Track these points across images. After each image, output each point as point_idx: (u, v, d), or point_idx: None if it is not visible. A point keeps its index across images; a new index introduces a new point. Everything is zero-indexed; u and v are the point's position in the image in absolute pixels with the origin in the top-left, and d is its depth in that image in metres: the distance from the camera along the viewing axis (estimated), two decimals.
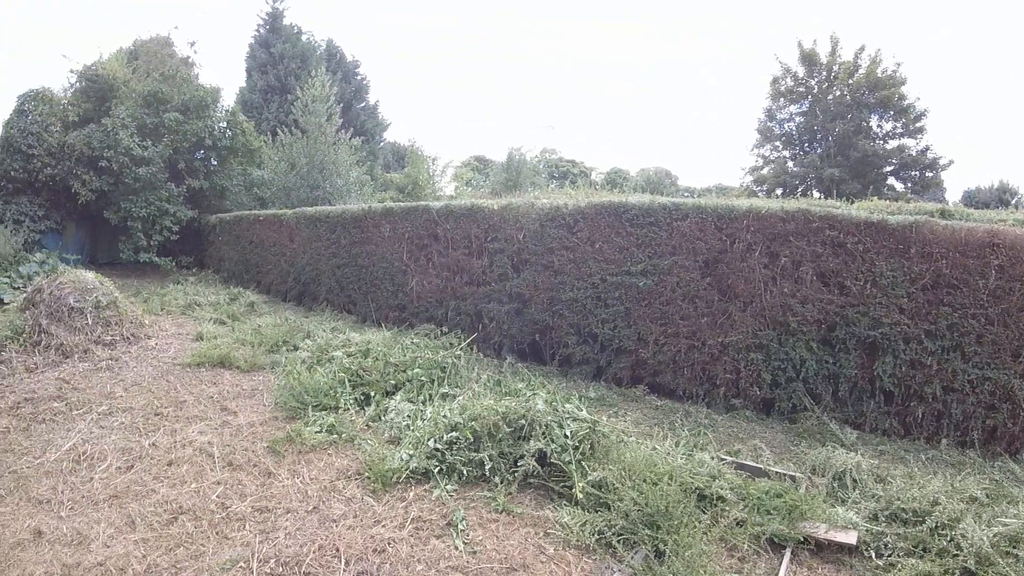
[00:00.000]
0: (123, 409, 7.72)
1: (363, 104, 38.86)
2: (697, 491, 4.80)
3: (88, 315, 10.82)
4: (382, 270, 11.94)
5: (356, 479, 5.53)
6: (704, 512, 4.64)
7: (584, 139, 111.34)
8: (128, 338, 10.91)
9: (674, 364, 7.86)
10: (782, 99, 37.99)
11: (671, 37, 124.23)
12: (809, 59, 36.43)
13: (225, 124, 22.58)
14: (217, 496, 5.34)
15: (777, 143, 38.86)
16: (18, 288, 16.65)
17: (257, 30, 37.30)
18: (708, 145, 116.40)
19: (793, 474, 5.31)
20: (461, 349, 8.59)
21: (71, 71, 22.89)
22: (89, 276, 11.79)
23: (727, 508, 4.67)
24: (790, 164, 37.67)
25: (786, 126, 38.49)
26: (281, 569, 4.27)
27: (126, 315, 11.44)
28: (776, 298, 7.19)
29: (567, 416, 5.53)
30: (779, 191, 36.47)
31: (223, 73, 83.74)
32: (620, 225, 8.26)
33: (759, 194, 36.92)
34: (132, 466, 6.05)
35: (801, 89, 37.10)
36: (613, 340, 8.29)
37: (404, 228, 11.40)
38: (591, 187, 38.65)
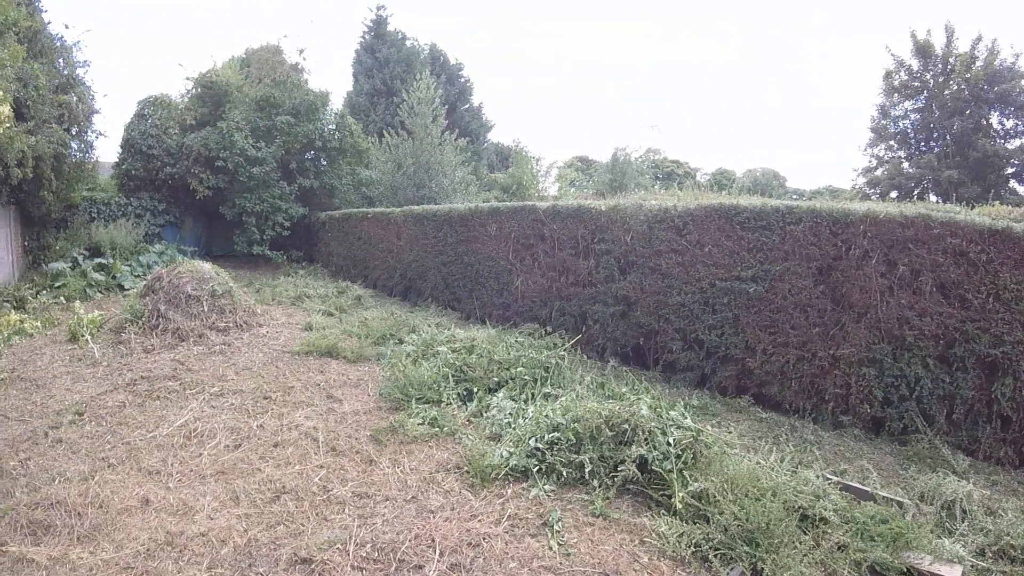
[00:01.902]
0: (234, 391, 8.12)
1: (467, 106, 39.13)
2: (800, 510, 4.60)
3: (204, 302, 11.39)
4: (487, 268, 12.07)
5: (455, 473, 5.61)
6: (805, 533, 4.44)
7: (689, 139, 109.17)
8: (241, 325, 11.45)
9: (782, 375, 7.53)
10: (896, 95, 35.19)
11: (778, 32, 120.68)
12: (923, 51, 33.66)
13: (334, 126, 23.41)
14: (319, 479, 5.54)
15: (892, 142, 36.02)
16: (138, 276, 17.73)
17: (363, 36, 38.32)
18: (818, 144, 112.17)
19: (900, 500, 4.99)
20: (565, 350, 8.54)
21: (187, 78, 24.37)
22: (206, 266, 12.40)
23: (829, 531, 4.45)
24: (905, 165, 34.81)
25: (901, 124, 35.64)
26: (377, 554, 4.36)
27: (239, 304, 11.96)
28: (892, 309, 6.75)
29: (671, 423, 5.42)
30: (894, 194, 33.64)
31: (330, 78, 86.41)
32: (731, 228, 7.98)
33: (872, 197, 34.44)
34: (240, 445, 6.36)
35: (916, 84, 34.27)
36: (719, 347, 8.03)
37: (510, 227, 11.46)
38: (696, 188, 37.77)
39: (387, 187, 22.78)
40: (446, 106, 24.74)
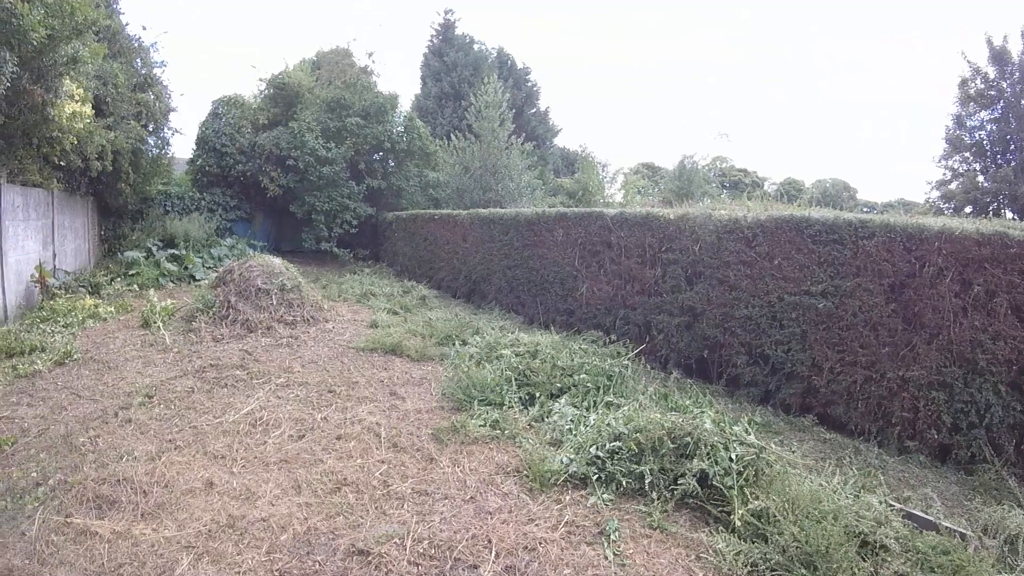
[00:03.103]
0: (299, 383, 8.32)
1: (534, 110, 39.29)
2: (860, 536, 4.46)
3: (273, 296, 11.69)
4: (553, 274, 12.06)
5: (514, 476, 5.63)
6: (865, 559, 4.30)
7: (757, 147, 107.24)
8: (308, 320, 11.72)
9: (848, 396, 7.28)
10: (971, 104, 32.83)
11: (851, 40, 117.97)
12: (999, 57, 31.29)
13: (402, 128, 23.84)
14: (380, 474, 5.64)
15: (967, 154, 33.70)
16: (210, 268, 18.34)
17: (431, 40, 38.99)
18: (890, 155, 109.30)
19: (963, 531, 4.79)
20: (628, 359, 8.49)
21: (260, 79, 25.46)
22: (276, 261, 12.72)
23: (889, 559, 4.30)
24: (981, 178, 32.74)
25: (976, 135, 33.30)
26: (433, 550, 4.41)
27: (307, 299, 12.24)
28: (965, 331, 6.43)
29: (734, 439, 5.34)
30: (968, 209, 31.76)
31: (398, 81, 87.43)
32: (801, 241, 7.77)
33: (946, 212, 32.48)
34: (303, 436, 6.51)
35: (992, 92, 31.95)
36: (785, 364, 7.83)
37: (577, 233, 11.43)
38: (764, 199, 37.13)
39: (453, 189, 23.03)
40: (513, 110, 24.85)
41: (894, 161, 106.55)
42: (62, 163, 13.11)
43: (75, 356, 9.38)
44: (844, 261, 7.35)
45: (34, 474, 5.57)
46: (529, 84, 39.51)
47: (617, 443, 5.57)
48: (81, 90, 11.96)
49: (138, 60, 19.18)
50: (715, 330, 8.72)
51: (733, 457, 5.12)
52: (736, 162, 54.56)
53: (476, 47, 38.00)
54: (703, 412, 6.18)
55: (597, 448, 5.61)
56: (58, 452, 6.07)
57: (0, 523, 4.76)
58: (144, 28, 26.04)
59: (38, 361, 9.02)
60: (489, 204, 20.75)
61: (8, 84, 7.99)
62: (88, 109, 12.23)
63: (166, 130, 20.57)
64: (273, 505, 5.01)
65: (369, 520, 4.82)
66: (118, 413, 7.11)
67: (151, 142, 19.69)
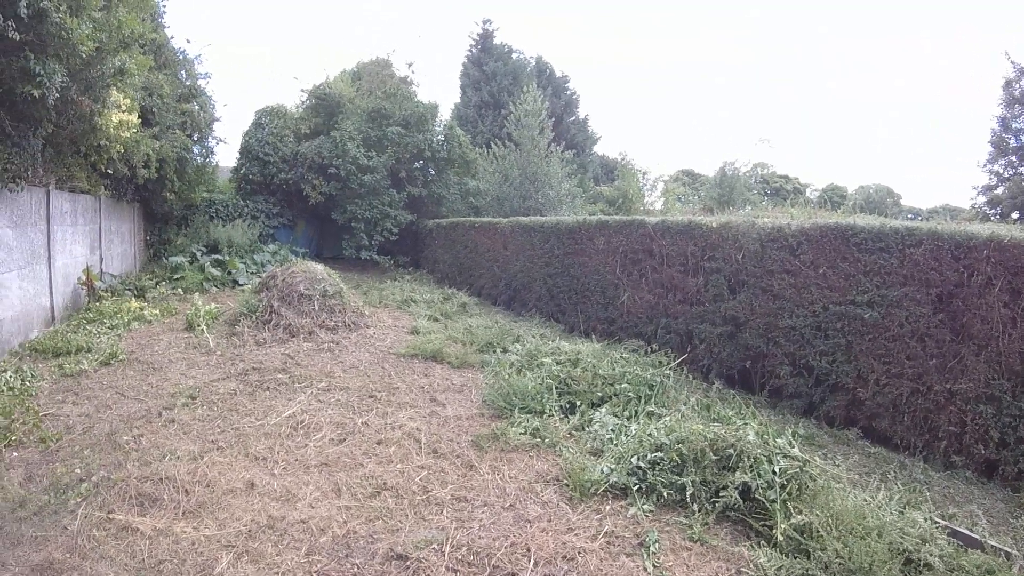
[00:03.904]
0: (340, 388, 8.41)
1: (573, 118, 39.26)
2: (905, 553, 4.36)
3: (315, 302, 11.85)
4: (594, 282, 12.01)
5: (554, 484, 5.61)
6: None
7: (798, 153, 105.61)
8: (349, 325, 11.85)
9: (894, 409, 7.08)
10: (1017, 106, 31.69)
11: (890, 43, 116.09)
12: None
13: (443, 137, 23.99)
14: (420, 479, 5.66)
15: (1012, 158, 32.43)
16: (253, 273, 18.69)
17: (470, 50, 39.17)
18: (934, 159, 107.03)
19: (1009, 550, 4.66)
20: (671, 369, 8.43)
21: (302, 90, 25.92)
22: (318, 267, 12.90)
23: None
24: None
25: (1022, 138, 32.05)
26: (472, 557, 4.41)
27: (349, 305, 12.37)
28: (1015, 343, 6.20)
29: (777, 452, 5.24)
30: (1015, 215, 30.71)
31: (438, 90, 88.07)
32: (847, 249, 7.59)
33: (992, 217, 31.44)
34: (344, 439, 6.57)
35: None
36: (830, 375, 7.64)
37: (618, 242, 11.36)
38: (807, 205, 36.43)
39: (493, 197, 23.14)
40: (552, 119, 24.90)
41: (939, 165, 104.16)
42: (109, 171, 13.50)
43: (120, 357, 9.60)
44: (890, 270, 7.16)
45: (78, 470, 5.71)
46: (568, 92, 39.51)
47: (659, 454, 5.52)
48: (128, 100, 12.29)
49: (183, 72, 19.83)
50: (758, 340, 8.56)
51: (776, 470, 5.02)
52: (777, 168, 53.63)
53: (515, 56, 38.13)
54: (746, 424, 6.09)
55: (638, 458, 5.56)
56: (102, 450, 6.21)
57: (43, 517, 4.89)
58: (188, 41, 26.85)
59: (84, 361, 9.26)
60: (529, 212, 20.80)
61: (57, 94, 8.17)
62: (135, 119, 12.55)
63: (210, 139, 21.34)
64: (313, 507, 5.07)
65: (408, 525, 4.85)
66: (162, 413, 7.26)
67: (196, 151, 20.40)
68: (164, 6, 19.18)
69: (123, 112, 11.95)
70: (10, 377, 8.28)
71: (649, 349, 9.44)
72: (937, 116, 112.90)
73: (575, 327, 12.34)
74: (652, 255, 10.63)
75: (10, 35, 6.79)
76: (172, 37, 19.49)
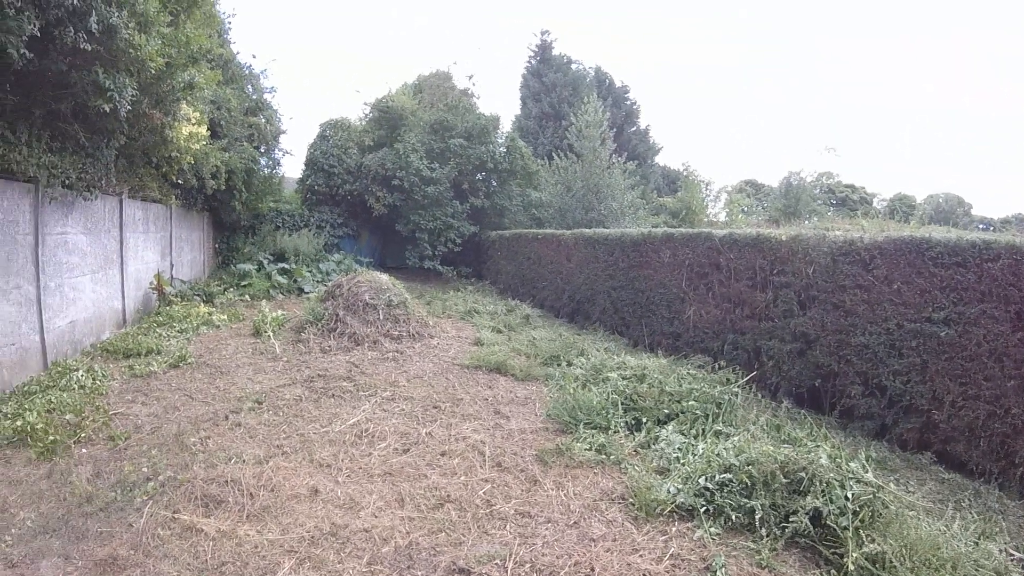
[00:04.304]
0: (404, 397, 8.47)
1: (634, 128, 39.01)
2: None
3: (380, 311, 11.98)
4: (659, 296, 11.84)
5: (619, 503, 5.51)
6: None
7: (864, 161, 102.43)
8: (413, 335, 11.95)
9: (969, 432, 6.70)
10: None
11: (962, 44, 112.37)
12: None
13: (504, 149, 24.11)
14: (483, 493, 5.63)
15: None
16: (318, 281, 19.11)
17: (529, 61, 39.27)
18: (1005, 165, 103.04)
19: None
20: (738, 386, 8.18)
21: (365, 103, 26.99)
22: (384, 277, 13.05)
23: None
24: None
25: None
26: (535, 575, 4.36)
27: (413, 315, 12.48)
28: None
29: (850, 476, 5.05)
30: None
31: (498, 102, 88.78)
32: (922, 264, 7.26)
33: None
34: (408, 449, 6.61)
35: None
36: (903, 396, 7.31)
37: (684, 255, 11.16)
38: (875, 216, 35.29)
39: (556, 209, 23.06)
40: (614, 129, 24.74)
41: (1010, 171, 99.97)
42: (180, 181, 14.06)
43: (189, 360, 9.88)
44: (968, 286, 6.82)
45: (145, 469, 5.89)
46: (628, 102, 39.31)
47: (727, 475, 5.37)
48: (197, 113, 12.77)
49: (249, 86, 20.72)
50: (829, 358, 8.25)
51: (849, 496, 4.83)
52: (843, 177, 52.03)
53: (574, 67, 38.14)
54: (818, 446, 5.92)
55: (706, 479, 5.42)
56: (169, 450, 6.39)
57: (109, 513, 5.04)
58: (254, 56, 27.80)
59: (154, 363, 9.59)
60: (591, 224, 20.70)
61: (129, 108, 8.55)
62: (204, 131, 13.05)
63: (277, 151, 22.31)
64: (376, 516, 5.10)
65: (471, 539, 4.84)
66: (228, 416, 7.44)
67: (263, 162, 21.21)
68: (229, 23, 19.94)
69: (193, 125, 12.42)
70: (82, 376, 8.60)
71: (716, 365, 9.21)
72: (1009, 122, 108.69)
73: (639, 341, 12.16)
74: (719, 268, 10.39)
75: (82, 46, 7.06)
76: (238, 53, 20.44)
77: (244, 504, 5.17)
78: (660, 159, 41.11)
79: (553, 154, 24.82)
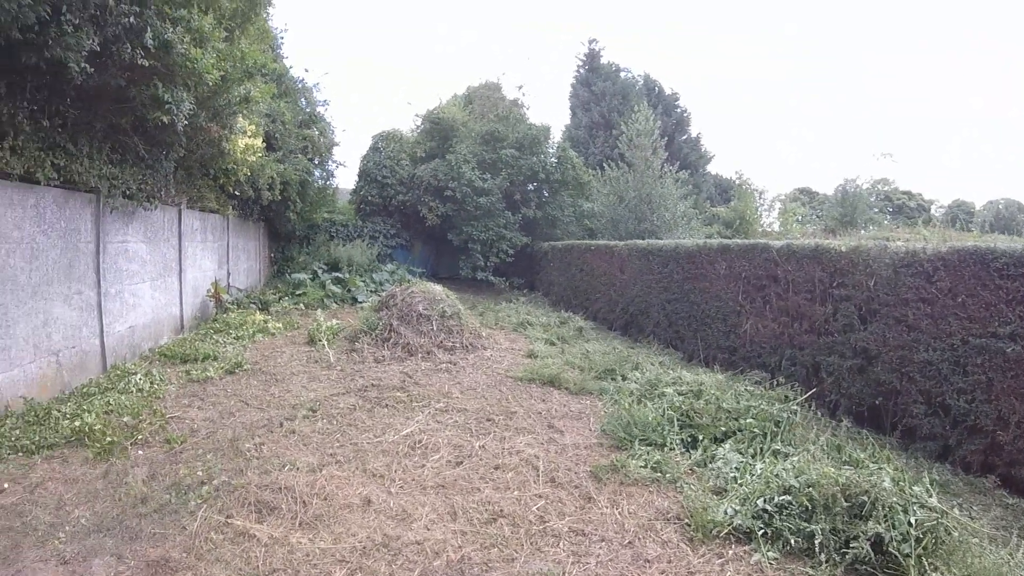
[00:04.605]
0: (457, 409, 8.49)
1: (685, 136, 38.69)
2: None
3: (434, 322, 12.07)
4: (714, 309, 11.59)
5: (675, 523, 5.40)
6: None
7: (921, 167, 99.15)
8: (466, 346, 12.04)
9: None
10: None
11: (1010, 58, 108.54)
12: None
13: (556, 159, 24.20)
14: (537, 508, 5.58)
15: None
16: (372, 291, 19.36)
17: (577, 70, 39.40)
18: None
19: None
20: (798, 404, 7.91)
21: (416, 115, 27.32)
22: (437, 288, 13.17)
23: None
24: None
25: None
26: None
27: (466, 326, 12.57)
28: None
29: (913, 500, 4.86)
30: None
31: (548, 112, 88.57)
32: (987, 276, 6.91)
33: None
34: (461, 462, 6.59)
35: None
36: (968, 415, 6.94)
37: (741, 267, 10.89)
38: (934, 224, 34.12)
39: (608, 219, 22.91)
40: (665, 138, 24.54)
41: None
42: (236, 192, 14.48)
43: (245, 366, 10.08)
44: None
45: (199, 473, 6.01)
46: (679, 110, 39.04)
47: (787, 497, 5.20)
48: (253, 126, 13.13)
49: (302, 99, 21.26)
50: (891, 375, 7.90)
51: (912, 521, 4.65)
52: (900, 184, 50.40)
53: (623, 75, 38.15)
54: (881, 468, 5.69)
55: (764, 500, 5.26)
56: (224, 455, 6.52)
57: (163, 515, 5.16)
58: (306, 71, 28.63)
59: (210, 368, 9.85)
60: (644, 234, 20.51)
61: (186, 121, 8.89)
62: (260, 143, 13.40)
63: (330, 163, 22.94)
64: (428, 529, 5.10)
65: (523, 555, 4.81)
66: (283, 423, 7.56)
67: (317, 174, 21.80)
68: (282, 38, 20.54)
69: (249, 137, 12.78)
70: (140, 379, 8.87)
71: (773, 382, 8.91)
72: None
73: (694, 355, 11.95)
74: (777, 281, 10.11)
75: (139, 61, 7.34)
76: (291, 67, 21.13)
77: (297, 512, 5.23)
78: (712, 168, 40.71)
79: (604, 164, 24.74)
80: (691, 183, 27.86)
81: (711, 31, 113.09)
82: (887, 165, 70.03)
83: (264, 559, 4.51)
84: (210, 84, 8.92)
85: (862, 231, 25.50)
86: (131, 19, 7.00)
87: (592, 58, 38.85)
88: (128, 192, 9.37)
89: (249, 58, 10.15)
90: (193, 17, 8.35)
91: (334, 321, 13.82)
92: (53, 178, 7.68)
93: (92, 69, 6.80)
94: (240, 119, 12.05)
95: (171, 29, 7.73)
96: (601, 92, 36.82)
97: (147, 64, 7.49)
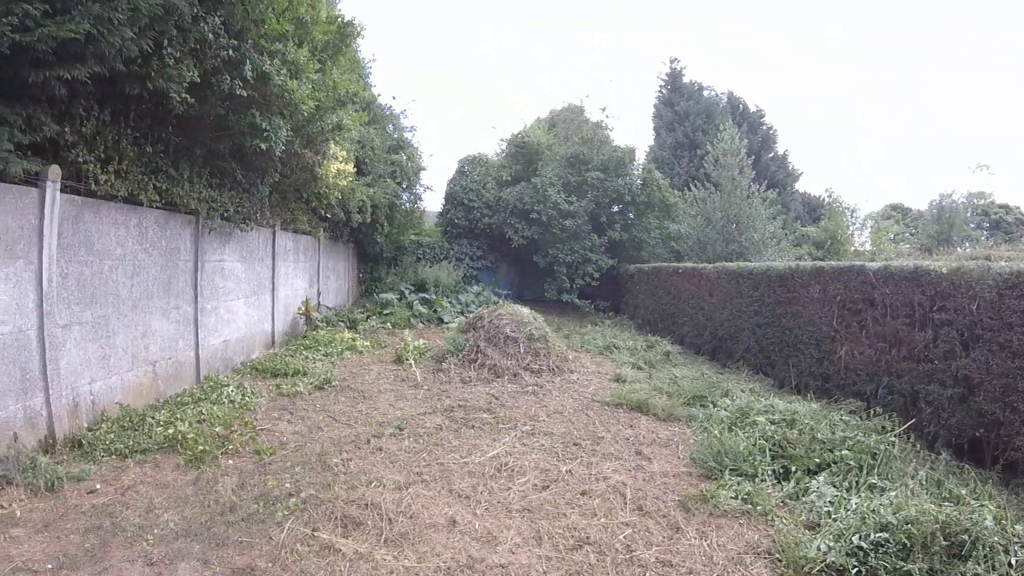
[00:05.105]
0: (544, 432, 8.48)
1: (771, 154, 37.84)
2: None
3: (520, 344, 12.13)
4: (807, 334, 11.12)
5: (765, 558, 5.21)
6: None
7: (1015, 177, 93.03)
8: (553, 369, 12.02)
9: None
10: None
11: None
12: None
13: (641, 181, 24.00)
14: (624, 537, 5.48)
15: None
16: (458, 312, 19.65)
17: (659, 91, 39.16)
18: None
19: None
20: (896, 435, 7.54)
21: (501, 140, 28.62)
22: (524, 311, 13.25)
23: None
24: None
25: None
26: None
27: (553, 349, 12.58)
28: None
29: (1015, 540, 4.61)
30: None
31: (632, 133, 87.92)
32: None
33: None
34: (547, 486, 6.56)
35: None
36: None
37: (835, 289, 10.39)
38: None
39: (695, 241, 22.63)
40: (751, 156, 24.03)
41: None
42: (328, 215, 15.10)
43: (334, 383, 10.38)
44: None
45: (287, 485, 6.20)
46: (764, 127, 38.24)
47: (883, 534, 4.95)
48: (344, 152, 13.68)
49: (390, 125, 22.07)
50: (993, 405, 7.36)
51: (1012, 562, 4.42)
52: (996, 197, 47.26)
53: (706, 93, 37.63)
54: (983, 505, 5.42)
55: (860, 537, 5.01)
56: (312, 468, 6.70)
57: (250, 524, 5.34)
58: (394, 98, 29.60)
59: (300, 383, 10.17)
60: (732, 256, 20.25)
61: (283, 147, 9.39)
62: (350, 168, 13.89)
63: (418, 186, 23.60)
64: (513, 553, 5.09)
65: None
66: (370, 440, 7.74)
67: (404, 197, 22.54)
68: (370, 67, 21.37)
69: (340, 163, 13.34)
70: (232, 391, 9.25)
71: (870, 411, 8.54)
72: None
73: (785, 382, 11.54)
74: (873, 305, 9.59)
75: (238, 92, 7.83)
76: (379, 95, 21.97)
77: (382, 528, 5.31)
78: (799, 185, 39.58)
79: (690, 184, 24.57)
80: (779, 202, 27.18)
81: (789, 45, 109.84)
82: (983, 178, 66.12)
83: (348, 573, 4.61)
84: (305, 113, 9.37)
85: (958, 249, 24.36)
86: (230, 52, 7.51)
87: (674, 77, 38.52)
88: (226, 214, 9.83)
89: (341, 87, 10.54)
90: (288, 50, 8.88)
91: (421, 341, 14.05)
92: (155, 200, 8.26)
93: (193, 99, 7.30)
94: (332, 145, 12.49)
95: (268, 61, 8.23)
96: (684, 112, 36.45)
97: (245, 94, 8.01)
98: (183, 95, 7.03)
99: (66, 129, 6.54)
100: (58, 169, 6.50)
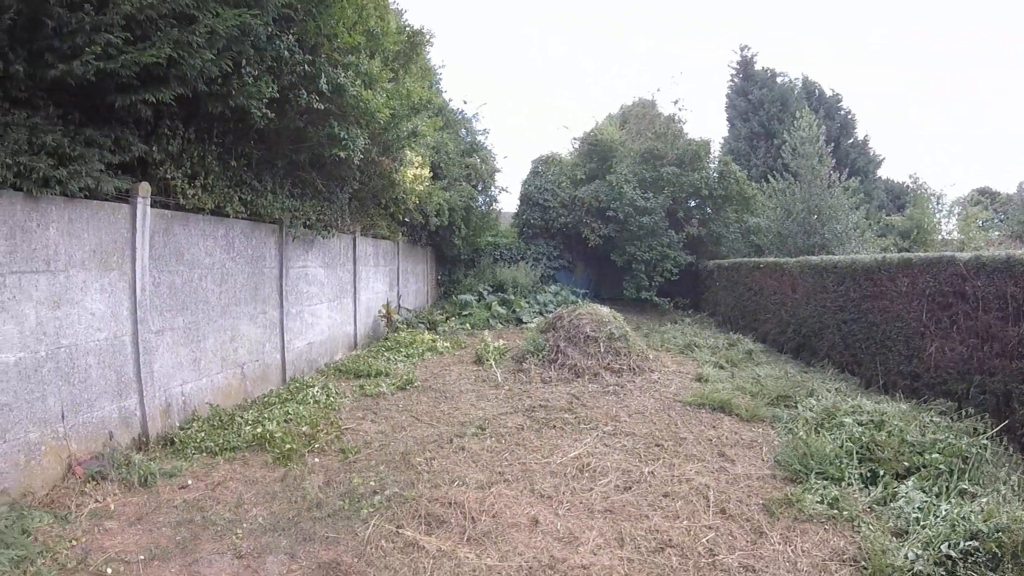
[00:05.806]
0: (625, 433, 8.45)
1: (851, 140, 36.36)
2: None
3: (601, 344, 12.13)
4: (895, 330, 10.54)
5: (851, 565, 5.07)
6: None
7: None
8: (633, 369, 11.94)
9: None
10: None
11: None
12: None
13: (717, 174, 23.64)
14: (707, 540, 5.43)
15: None
16: (536, 312, 19.74)
17: (731, 80, 38.27)
18: None
19: None
20: (988, 438, 7.08)
21: (573, 139, 28.38)
22: (604, 310, 13.27)
23: None
24: None
25: None
26: None
27: (633, 348, 12.53)
28: None
29: None
30: None
31: (705, 125, 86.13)
32: None
33: None
34: (630, 488, 6.54)
35: None
36: None
37: (924, 283, 9.80)
38: None
39: (775, 234, 22.00)
40: (831, 144, 23.22)
41: None
42: (406, 219, 15.53)
43: (416, 383, 10.61)
44: None
45: (372, 483, 6.37)
46: (842, 112, 36.84)
47: (973, 542, 4.75)
48: (420, 158, 14.00)
49: (463, 130, 22.46)
50: None
51: None
52: None
53: (779, 80, 36.59)
54: None
55: (949, 545, 4.82)
56: (396, 467, 6.87)
57: (336, 520, 5.51)
58: (465, 102, 30.04)
59: (383, 384, 10.45)
60: (814, 249, 19.65)
61: (361, 156, 9.78)
62: (427, 173, 14.22)
63: (493, 188, 23.94)
64: (595, 554, 5.10)
65: None
66: (452, 440, 7.86)
67: (480, 200, 22.85)
68: (440, 74, 21.73)
69: (416, 168, 13.61)
70: (316, 392, 9.56)
71: (961, 412, 8.11)
72: None
73: (872, 381, 10.98)
74: (965, 298, 8.99)
75: (314, 105, 8.10)
76: (450, 100, 22.43)
77: (465, 527, 5.41)
78: (882, 172, 37.87)
79: (768, 176, 23.94)
80: (862, 191, 26.23)
81: (856, 33, 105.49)
82: None
83: (431, 570, 4.72)
84: (381, 121, 9.63)
85: None
86: (305, 67, 7.78)
87: (746, 65, 37.66)
88: (308, 222, 10.16)
89: (415, 95, 10.80)
90: (361, 61, 9.17)
91: (500, 341, 14.18)
92: (240, 211, 8.67)
93: (272, 114, 7.61)
94: (408, 152, 12.73)
95: (343, 74, 8.51)
96: (759, 100, 35.67)
97: (322, 107, 8.29)
98: (263, 110, 7.34)
99: (153, 148, 6.93)
100: (147, 186, 6.90)
